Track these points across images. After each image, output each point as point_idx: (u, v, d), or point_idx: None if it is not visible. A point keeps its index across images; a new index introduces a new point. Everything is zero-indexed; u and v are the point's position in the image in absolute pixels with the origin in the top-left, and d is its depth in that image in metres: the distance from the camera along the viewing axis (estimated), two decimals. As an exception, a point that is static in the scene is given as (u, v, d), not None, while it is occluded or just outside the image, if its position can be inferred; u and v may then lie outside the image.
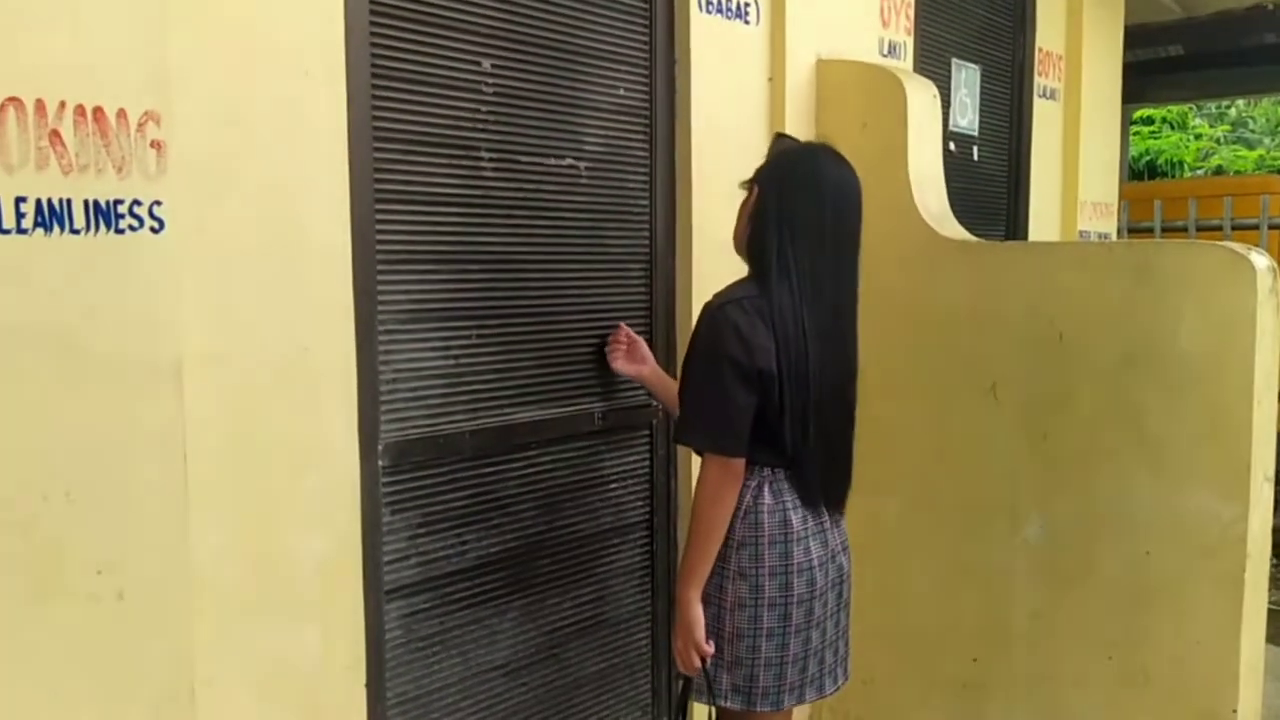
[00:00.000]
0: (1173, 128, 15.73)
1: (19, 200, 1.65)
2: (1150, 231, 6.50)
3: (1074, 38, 4.81)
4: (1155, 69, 8.73)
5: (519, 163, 2.59)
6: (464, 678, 2.53)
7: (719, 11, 3.01)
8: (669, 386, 2.67)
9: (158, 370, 1.82)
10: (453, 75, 2.42)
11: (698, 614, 2.21)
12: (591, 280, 2.80)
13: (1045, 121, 4.74)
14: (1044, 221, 4.78)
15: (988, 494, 3.09)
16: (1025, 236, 4.63)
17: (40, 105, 1.67)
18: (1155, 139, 14.86)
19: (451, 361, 2.46)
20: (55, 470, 1.71)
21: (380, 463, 2.29)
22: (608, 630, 2.90)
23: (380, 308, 2.29)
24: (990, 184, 4.53)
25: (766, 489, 2.24)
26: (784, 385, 2.17)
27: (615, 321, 2.85)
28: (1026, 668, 3.05)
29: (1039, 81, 4.68)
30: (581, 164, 2.75)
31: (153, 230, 1.81)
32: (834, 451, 2.33)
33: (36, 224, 1.67)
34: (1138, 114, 14.07)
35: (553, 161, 2.68)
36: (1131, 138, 14.56)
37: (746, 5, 3.09)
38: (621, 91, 2.84)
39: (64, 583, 1.72)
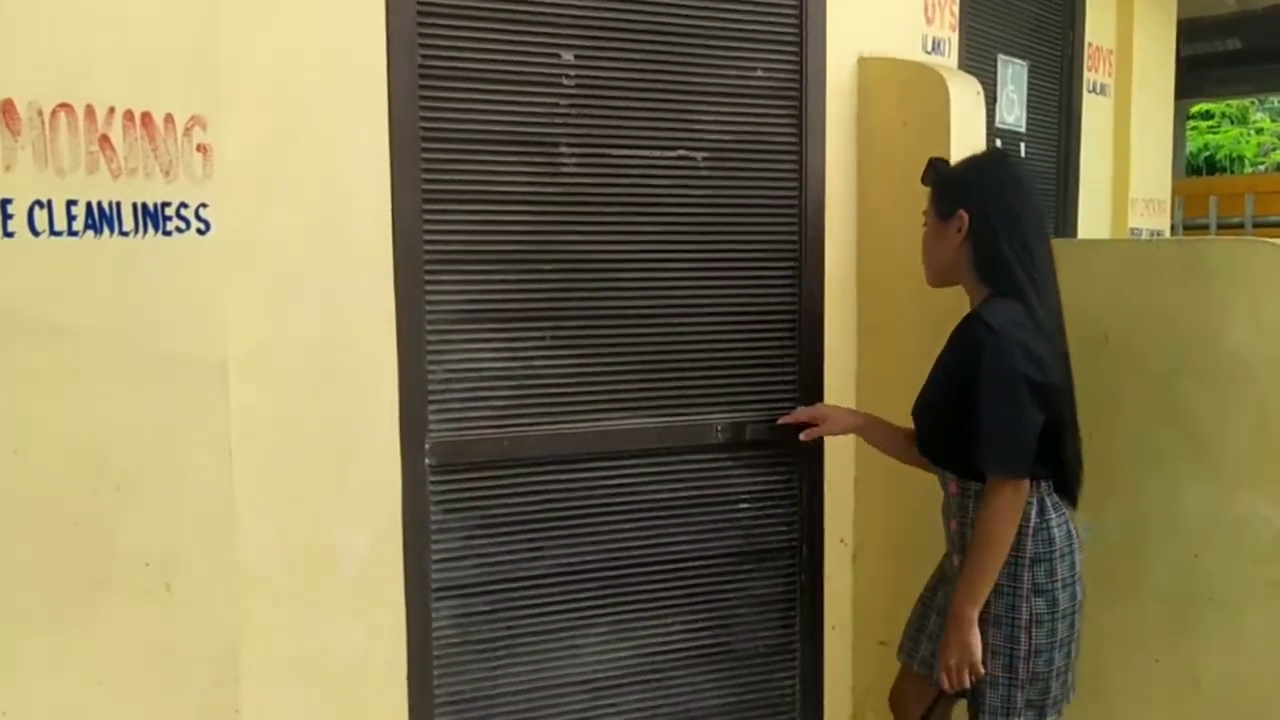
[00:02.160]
0: (1232, 122, 15.43)
1: (70, 203, 1.71)
2: (1206, 228, 6.38)
3: (1124, 32, 4.73)
4: (1212, 63, 8.57)
5: (606, 157, 2.51)
6: (534, 687, 2.51)
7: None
8: (889, 430, 2.67)
9: (204, 369, 1.87)
10: (521, 69, 2.38)
11: (977, 634, 2.22)
12: (711, 281, 2.67)
13: (1095, 117, 4.67)
14: (1094, 218, 4.71)
15: (1032, 495, 3.05)
16: (1074, 234, 4.57)
17: (90, 111, 1.72)
18: (1214, 134, 14.58)
19: (520, 364, 2.43)
20: (105, 466, 1.76)
21: (427, 461, 2.31)
22: (733, 663, 2.78)
23: (430, 308, 2.30)
24: (1039, 181, 4.47)
25: (1048, 503, 2.29)
26: (1063, 396, 2.22)
27: (743, 325, 2.73)
28: (1071, 671, 3.01)
29: (1089, 77, 4.61)
30: (698, 155, 2.64)
31: (199, 232, 1.86)
32: (1081, 458, 2.37)
33: (87, 226, 1.73)
34: (1196, 108, 13.81)
35: (658, 154, 2.57)
36: (1189, 133, 14.30)
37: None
38: (759, 73, 2.72)
39: (114, 575, 1.78)
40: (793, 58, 2.76)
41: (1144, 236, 4.88)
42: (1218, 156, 14.56)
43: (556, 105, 2.44)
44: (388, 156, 2.20)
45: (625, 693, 2.61)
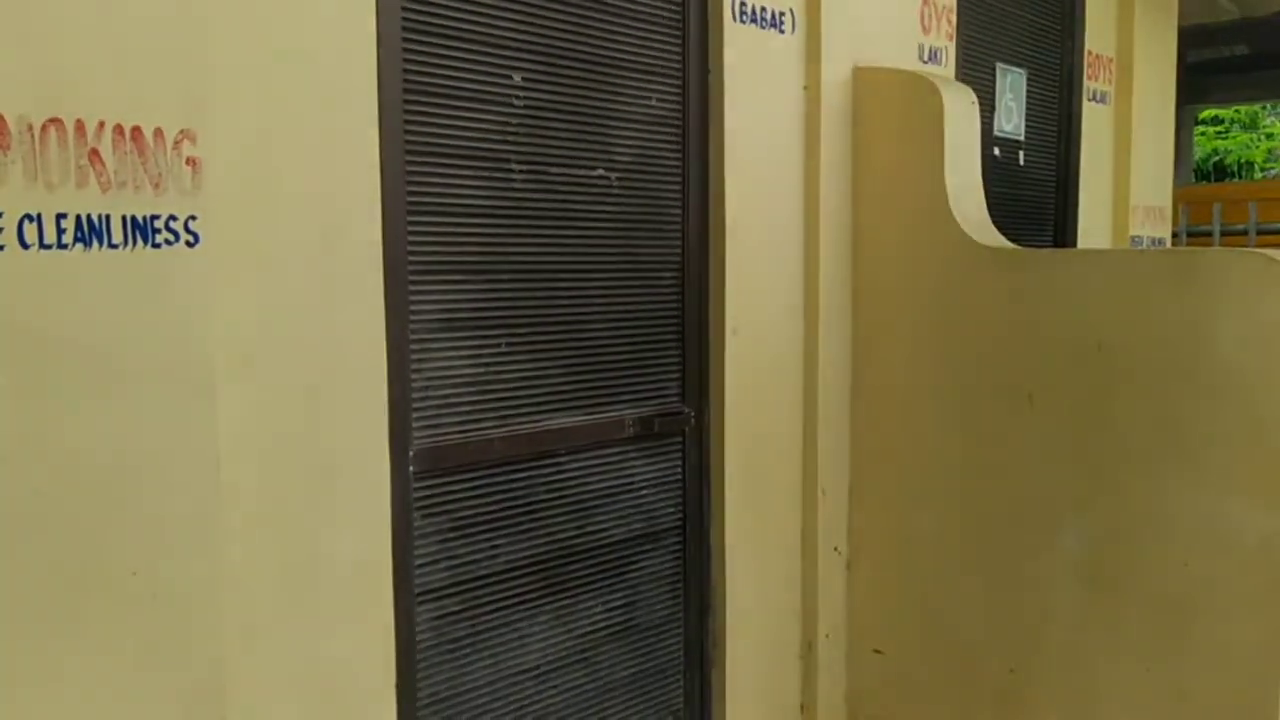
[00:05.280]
0: (1243, 128, 15.37)
1: (59, 217, 1.73)
2: (1210, 235, 6.37)
3: (1125, 40, 4.73)
4: (1219, 69, 8.56)
5: (549, 174, 2.63)
6: (494, 680, 2.58)
7: (753, 21, 3.02)
8: None
9: (192, 379, 1.89)
10: (484, 89, 2.47)
11: None
12: (622, 288, 2.84)
13: (1095, 125, 4.68)
14: (1095, 226, 4.71)
15: (1025, 503, 3.06)
16: (1074, 242, 4.57)
17: (80, 125, 1.75)
18: (1223, 139, 14.53)
19: (482, 369, 2.51)
20: (95, 474, 1.78)
21: (411, 468, 2.34)
22: (638, 635, 2.93)
23: (412, 317, 2.34)
24: (1038, 189, 4.48)
25: None
26: None
27: (647, 328, 2.88)
28: (1063, 679, 3.02)
29: (1089, 85, 4.61)
30: (613, 174, 2.78)
31: (188, 244, 1.88)
32: None
33: (76, 239, 1.75)
34: (1205, 114, 13.75)
35: (583, 172, 2.71)
36: (1198, 138, 14.25)
37: (781, 15, 3.10)
38: (654, 102, 2.86)
39: (100, 582, 1.79)
40: (677, 89, 2.92)
41: (1145, 244, 4.88)
42: (1226, 162, 14.49)
43: (509, 124, 2.53)
44: (378, 169, 2.22)
45: (563, 675, 2.75)
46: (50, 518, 1.73)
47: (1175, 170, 8.82)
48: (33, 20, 1.69)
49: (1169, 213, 5.16)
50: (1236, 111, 14.60)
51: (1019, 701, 3.12)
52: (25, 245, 1.70)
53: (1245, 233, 6.17)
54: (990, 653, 3.17)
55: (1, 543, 1.68)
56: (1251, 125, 15.16)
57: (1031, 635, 3.07)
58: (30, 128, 1.70)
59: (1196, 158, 14.22)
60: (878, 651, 3.43)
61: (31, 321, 1.71)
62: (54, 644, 1.74)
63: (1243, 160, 14.38)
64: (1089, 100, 4.62)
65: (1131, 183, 4.79)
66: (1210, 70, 8.46)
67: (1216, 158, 14.57)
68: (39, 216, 1.71)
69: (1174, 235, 5.96)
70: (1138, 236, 4.86)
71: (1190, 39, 6.84)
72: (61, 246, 1.74)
